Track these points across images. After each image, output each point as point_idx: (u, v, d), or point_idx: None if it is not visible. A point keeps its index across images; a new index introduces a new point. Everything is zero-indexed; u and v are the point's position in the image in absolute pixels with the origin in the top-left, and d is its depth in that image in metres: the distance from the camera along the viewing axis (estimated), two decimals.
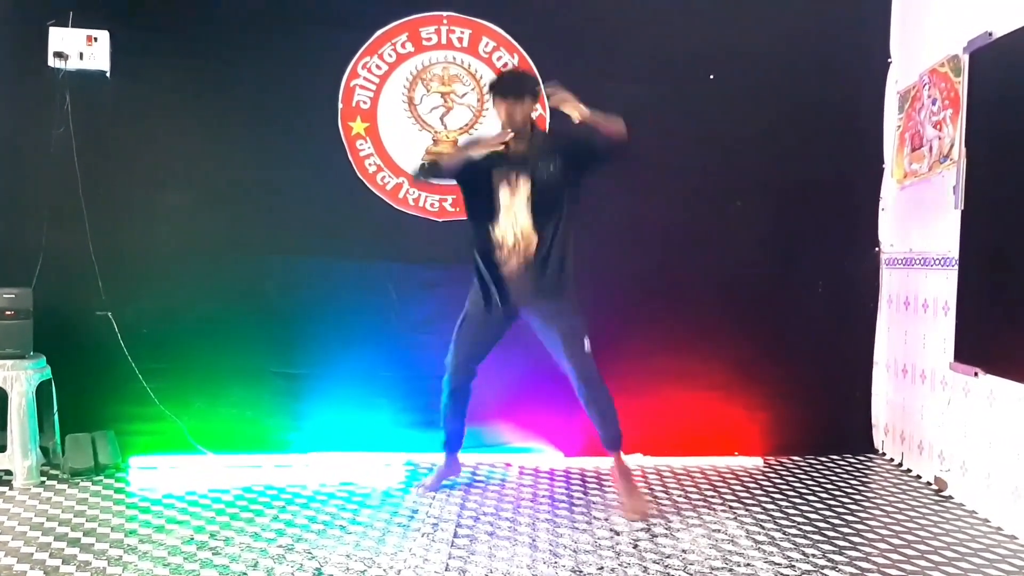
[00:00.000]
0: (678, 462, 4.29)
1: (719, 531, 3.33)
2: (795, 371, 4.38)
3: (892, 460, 4.38)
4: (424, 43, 4.29)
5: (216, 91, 4.17)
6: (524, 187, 3.49)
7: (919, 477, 4.08)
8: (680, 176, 4.31)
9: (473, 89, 4.32)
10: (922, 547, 3.17)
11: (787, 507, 3.62)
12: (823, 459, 4.36)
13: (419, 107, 4.31)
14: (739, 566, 2.97)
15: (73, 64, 4.03)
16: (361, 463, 4.11)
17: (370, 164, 4.28)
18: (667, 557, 3.04)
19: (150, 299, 4.12)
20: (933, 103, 4.00)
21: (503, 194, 3.50)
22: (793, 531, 3.33)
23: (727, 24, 4.32)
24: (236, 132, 4.20)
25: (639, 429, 4.30)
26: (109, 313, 4.07)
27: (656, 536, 3.26)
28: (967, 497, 3.67)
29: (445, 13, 4.28)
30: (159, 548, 3.03)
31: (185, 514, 3.41)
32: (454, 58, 4.31)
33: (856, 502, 3.70)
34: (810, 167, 4.37)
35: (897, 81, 4.40)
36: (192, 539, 3.13)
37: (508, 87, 3.54)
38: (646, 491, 3.82)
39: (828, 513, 3.54)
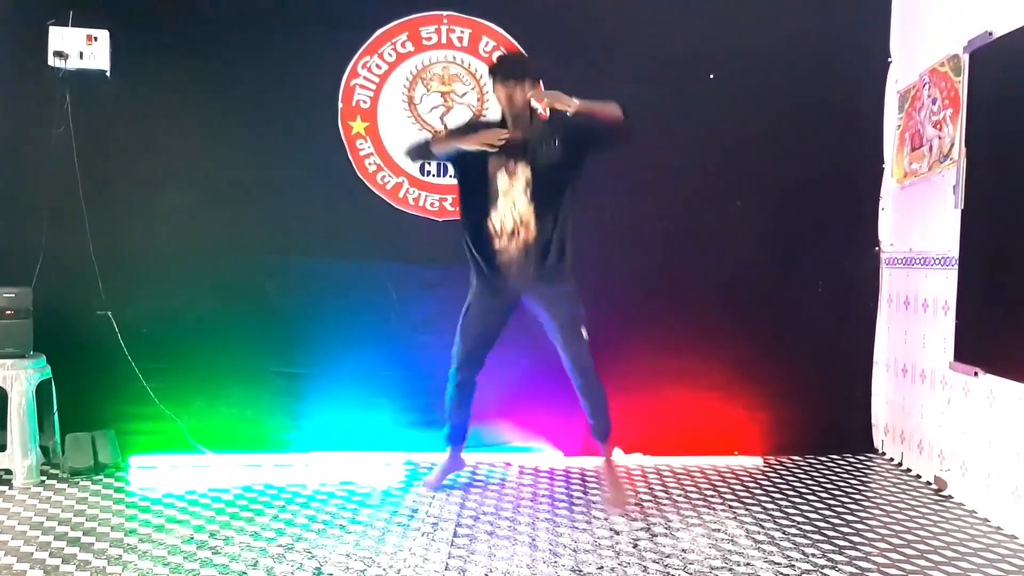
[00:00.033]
0: (678, 462, 4.29)
1: (719, 531, 3.33)
2: (795, 371, 4.38)
3: (892, 460, 4.38)
4: (424, 43, 4.29)
5: (216, 91, 4.17)
6: (523, 173, 3.49)
7: (919, 477, 4.08)
8: (680, 176, 4.31)
9: (473, 88, 4.32)
10: (922, 547, 3.17)
11: (787, 507, 3.62)
12: (823, 459, 4.36)
13: (419, 106, 4.31)
14: (739, 566, 2.97)
15: (73, 63, 4.04)
16: (361, 463, 4.12)
17: (370, 164, 4.28)
18: (667, 557, 3.04)
19: (150, 299, 4.12)
20: (933, 103, 4.00)
21: (501, 180, 3.50)
22: (793, 531, 3.33)
23: (727, 24, 4.32)
24: (236, 132, 4.20)
25: (639, 429, 4.32)
26: (109, 313, 4.07)
27: (656, 536, 3.26)
28: (967, 497, 3.67)
29: (445, 13, 4.28)
30: (159, 547, 3.03)
31: (185, 513, 3.40)
32: (454, 57, 4.31)
33: (856, 502, 3.70)
34: (810, 167, 4.37)
35: (897, 81, 4.40)
36: (192, 538, 3.13)
37: (508, 70, 3.53)
38: (646, 491, 3.82)
39: (828, 513, 3.54)
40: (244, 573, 2.83)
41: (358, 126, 4.27)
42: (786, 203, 4.38)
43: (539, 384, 4.12)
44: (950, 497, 3.77)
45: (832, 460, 4.35)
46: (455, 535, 3.21)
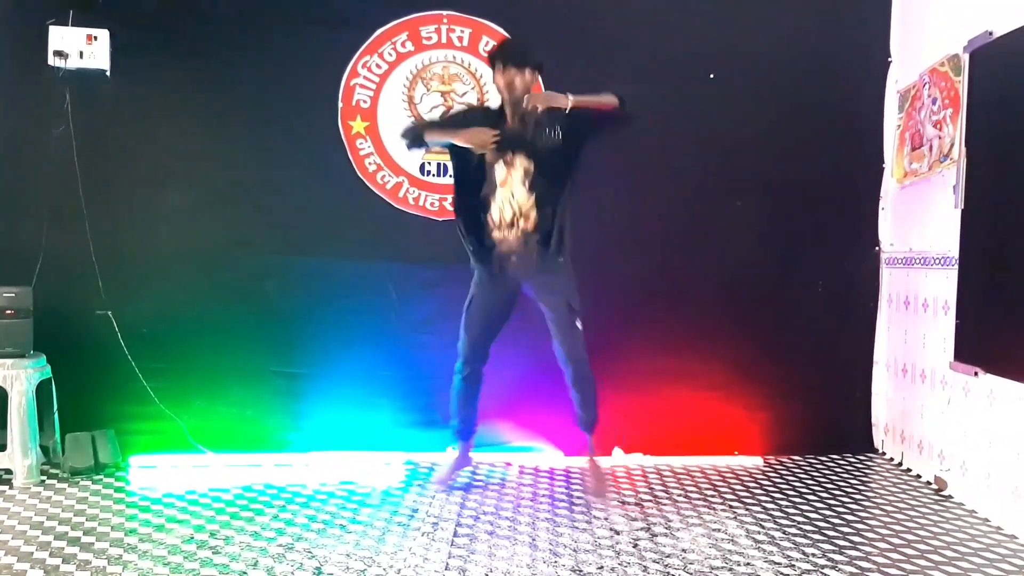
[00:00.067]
0: (678, 462, 4.28)
1: (719, 530, 3.33)
2: (795, 371, 4.38)
3: (892, 460, 4.38)
4: (424, 42, 4.29)
5: (216, 91, 4.17)
6: (522, 163, 3.49)
7: (919, 477, 4.08)
8: (680, 176, 4.31)
9: (473, 88, 4.32)
10: (922, 547, 3.17)
11: (787, 506, 3.62)
12: (823, 459, 4.36)
13: (419, 106, 4.31)
14: (739, 565, 2.97)
15: (73, 63, 4.03)
16: (361, 462, 4.11)
17: (370, 163, 4.28)
18: (667, 556, 3.04)
19: (150, 299, 4.12)
20: (933, 102, 4.00)
21: (499, 170, 3.50)
22: (793, 530, 3.33)
23: (727, 24, 4.32)
24: (236, 132, 4.20)
25: (639, 429, 4.32)
26: (109, 312, 4.07)
27: (656, 535, 3.26)
28: (967, 497, 3.67)
29: (445, 12, 4.28)
30: (159, 547, 3.03)
31: (185, 513, 3.40)
32: (454, 57, 4.31)
33: (856, 502, 3.70)
34: (810, 167, 4.37)
35: (897, 80, 4.40)
36: (192, 538, 3.13)
37: (509, 55, 3.51)
38: (646, 491, 3.82)
39: (828, 512, 3.54)
40: (244, 573, 2.83)
41: (358, 126, 4.27)
42: (786, 203, 4.38)
43: (539, 384, 4.11)
44: (950, 497, 3.77)
45: (832, 460, 4.35)
46: (455, 535, 3.21)
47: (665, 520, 3.43)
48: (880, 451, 4.50)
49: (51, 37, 4.01)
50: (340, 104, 4.24)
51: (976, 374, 3.56)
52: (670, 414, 4.32)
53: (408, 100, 4.29)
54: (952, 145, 3.79)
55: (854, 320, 4.49)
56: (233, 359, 4.15)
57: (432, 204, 4.30)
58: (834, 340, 4.45)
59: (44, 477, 3.82)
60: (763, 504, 3.65)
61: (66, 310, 4.03)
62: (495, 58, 3.56)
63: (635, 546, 3.14)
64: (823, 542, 3.21)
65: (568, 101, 3.40)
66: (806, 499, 3.73)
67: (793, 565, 2.98)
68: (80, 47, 4.02)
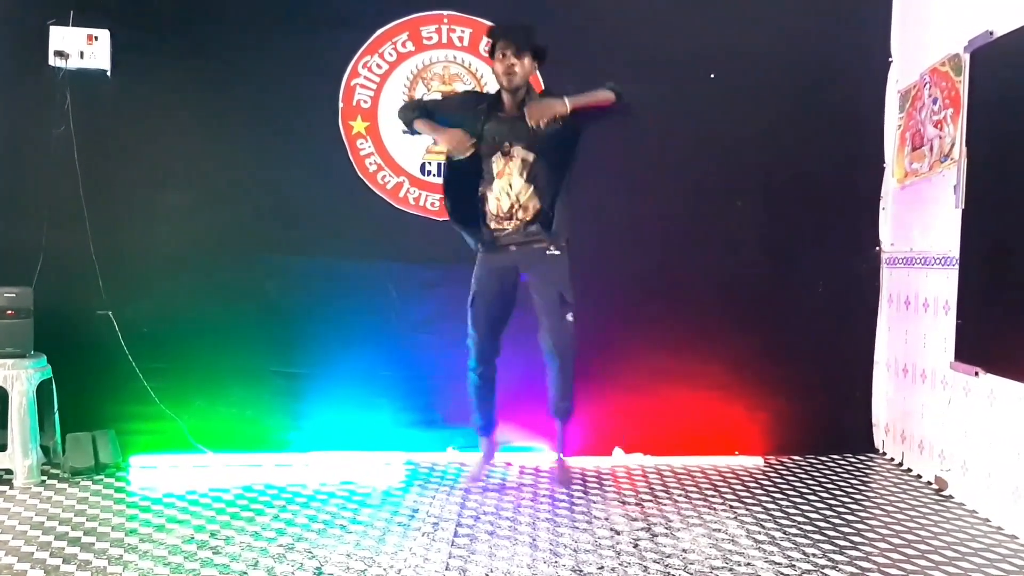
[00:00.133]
0: (678, 462, 4.28)
1: (719, 530, 3.33)
2: (795, 371, 4.38)
3: (892, 460, 4.38)
4: (425, 42, 4.29)
5: (216, 91, 4.17)
6: (520, 154, 3.48)
7: (919, 477, 4.08)
8: (680, 176, 4.31)
9: (474, 88, 4.32)
10: (922, 547, 3.17)
11: (787, 507, 3.62)
12: (823, 459, 4.36)
13: None
14: (739, 565, 2.97)
15: (74, 63, 4.04)
16: (361, 463, 4.11)
17: (371, 163, 4.28)
18: (667, 556, 3.04)
19: (150, 299, 4.13)
20: (934, 102, 4.00)
21: (496, 160, 3.50)
22: (793, 530, 3.33)
23: (727, 24, 4.32)
24: (236, 132, 4.20)
25: (639, 429, 4.32)
26: (109, 312, 4.07)
27: (656, 535, 3.26)
28: (967, 497, 3.67)
29: (446, 12, 4.28)
30: (159, 547, 3.03)
31: (185, 513, 3.40)
32: (455, 57, 4.31)
33: (856, 502, 3.70)
34: (810, 166, 4.37)
35: (898, 80, 4.40)
36: (192, 538, 3.13)
37: (508, 39, 3.48)
38: (646, 491, 3.82)
39: (828, 513, 3.54)
40: (244, 573, 2.82)
41: (358, 126, 4.27)
42: (786, 203, 4.38)
43: (539, 384, 4.10)
44: (950, 497, 3.77)
45: (832, 460, 4.35)
46: (455, 535, 3.21)
47: (665, 520, 3.43)
48: (880, 451, 4.50)
49: (52, 37, 4.02)
50: (340, 104, 4.24)
51: (976, 374, 3.56)
52: (670, 414, 4.32)
53: (409, 100, 4.29)
54: (953, 145, 3.79)
55: (854, 320, 4.49)
56: (233, 359, 4.15)
57: (432, 204, 4.30)
58: (834, 340, 4.45)
59: (44, 477, 3.83)
60: (763, 504, 3.65)
61: (66, 310, 4.03)
62: (494, 38, 3.52)
63: (635, 546, 3.14)
64: (823, 542, 3.20)
65: (566, 107, 3.40)
66: (806, 499, 3.73)
67: (793, 565, 2.98)
68: (80, 47, 4.03)
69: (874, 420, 4.53)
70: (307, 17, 4.19)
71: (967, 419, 3.67)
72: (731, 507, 3.61)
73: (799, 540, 3.22)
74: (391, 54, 4.28)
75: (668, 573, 2.89)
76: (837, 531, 3.32)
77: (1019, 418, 3.30)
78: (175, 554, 2.97)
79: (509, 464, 4.21)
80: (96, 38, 4.05)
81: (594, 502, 3.66)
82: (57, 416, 4.00)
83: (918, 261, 4.14)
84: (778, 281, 4.39)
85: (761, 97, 4.33)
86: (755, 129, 4.33)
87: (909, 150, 4.24)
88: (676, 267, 4.33)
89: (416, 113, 3.66)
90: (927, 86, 4.06)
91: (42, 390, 3.88)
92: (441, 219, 4.27)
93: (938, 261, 3.93)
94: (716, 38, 4.30)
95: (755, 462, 4.30)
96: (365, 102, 4.27)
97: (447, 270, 4.04)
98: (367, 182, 4.27)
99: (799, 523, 3.42)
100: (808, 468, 4.22)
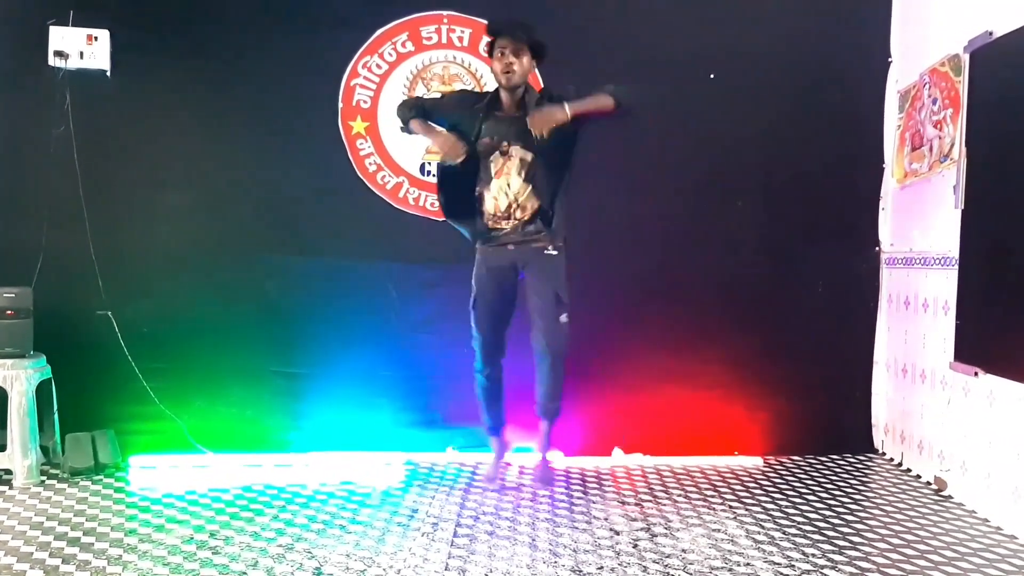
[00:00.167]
0: (678, 462, 4.28)
1: (719, 531, 3.33)
2: (795, 371, 4.38)
3: (892, 460, 4.38)
4: (424, 42, 4.29)
5: (216, 91, 4.17)
6: (519, 153, 3.48)
7: (919, 477, 4.08)
8: (680, 176, 4.31)
9: (473, 88, 4.32)
10: (922, 547, 3.17)
11: (787, 507, 3.62)
12: (823, 459, 4.36)
13: None
14: (739, 566, 2.97)
15: (73, 63, 4.04)
16: (361, 463, 4.11)
17: (370, 163, 4.28)
18: (667, 557, 3.04)
19: (150, 299, 4.13)
20: (933, 102, 4.00)
21: (494, 159, 3.49)
22: (793, 531, 3.33)
23: (727, 24, 4.32)
24: (236, 132, 4.20)
25: (639, 429, 4.32)
26: (109, 312, 4.07)
27: (656, 536, 3.26)
28: (967, 497, 3.67)
29: (445, 12, 4.28)
30: (159, 547, 3.03)
31: (185, 513, 3.40)
32: (454, 57, 4.31)
33: (856, 502, 3.70)
34: (810, 167, 4.37)
35: (897, 80, 4.40)
36: (192, 538, 3.13)
37: (507, 34, 3.45)
38: (646, 491, 3.82)
39: (828, 513, 3.54)
40: (244, 573, 2.83)
41: (358, 126, 4.27)
42: (786, 203, 4.38)
43: None
44: (950, 497, 3.77)
45: (832, 460, 4.35)
46: (455, 535, 3.21)
47: (665, 520, 3.43)
48: (880, 451, 4.50)
49: (51, 37, 4.02)
50: (340, 104, 4.24)
51: (976, 374, 3.56)
52: (670, 414, 4.32)
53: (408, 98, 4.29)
54: (952, 145, 3.79)
55: (854, 320, 4.49)
56: (233, 359, 4.15)
57: (432, 204, 4.29)
58: (834, 340, 4.45)
59: (44, 477, 3.83)
60: (763, 504, 3.65)
61: (66, 310, 4.03)
62: (493, 33, 3.49)
63: (635, 546, 3.14)
64: (823, 542, 3.20)
65: (567, 114, 3.39)
66: (806, 499, 3.73)
67: (793, 565, 2.98)
68: (80, 47, 4.03)
69: (874, 420, 4.53)
70: (307, 17, 4.19)
71: (966, 419, 3.67)
72: (730, 507, 3.61)
73: (798, 540, 3.22)
74: (391, 54, 4.28)
75: (667, 573, 2.89)
76: (836, 531, 3.32)
77: (1018, 418, 3.30)
78: (174, 554, 2.97)
79: (509, 464, 4.21)
80: (96, 38, 4.05)
81: (593, 502, 3.66)
82: (57, 416, 4.00)
83: (918, 261, 4.14)
84: (778, 281, 4.39)
85: (761, 97, 4.33)
86: (755, 129, 4.33)
87: (909, 150, 4.24)
88: (676, 267, 4.33)
89: (413, 112, 3.64)
90: (927, 86, 4.06)
91: (42, 390, 3.88)
92: (441, 219, 4.27)
93: (938, 261, 3.93)
94: (716, 38, 4.30)
95: (755, 462, 4.30)
96: (365, 102, 4.27)
97: (447, 270, 4.04)
98: (367, 182, 4.27)
99: (798, 523, 3.42)
100: (808, 468, 4.22)
